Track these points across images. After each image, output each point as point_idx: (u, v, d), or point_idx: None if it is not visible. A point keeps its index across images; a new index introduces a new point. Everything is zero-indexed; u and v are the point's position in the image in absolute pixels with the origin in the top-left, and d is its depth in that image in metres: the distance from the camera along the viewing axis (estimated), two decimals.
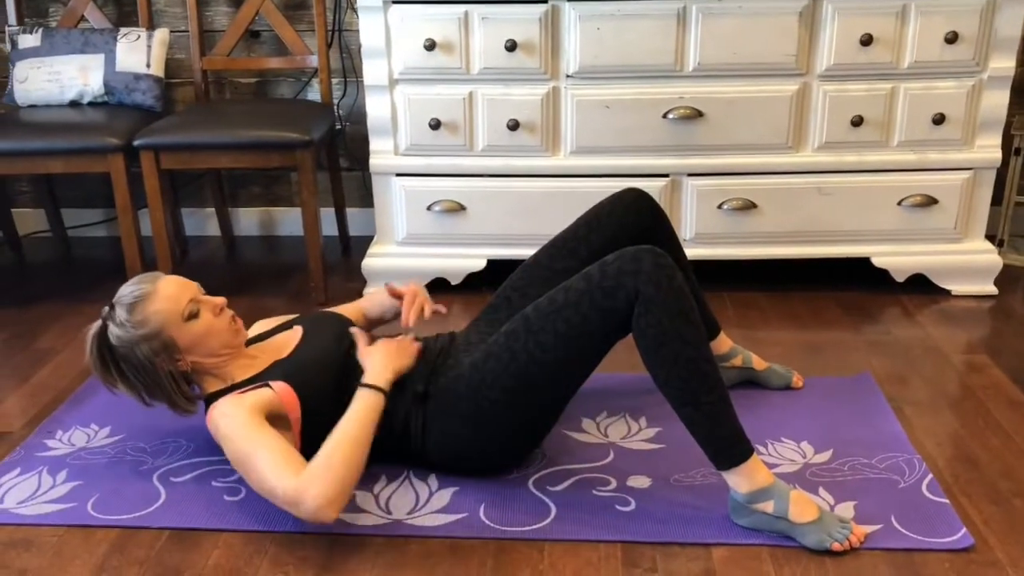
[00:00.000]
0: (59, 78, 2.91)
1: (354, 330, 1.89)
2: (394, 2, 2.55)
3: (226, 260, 3.24)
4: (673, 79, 2.59)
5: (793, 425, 2.04)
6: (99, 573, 1.63)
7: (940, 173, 2.65)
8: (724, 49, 2.54)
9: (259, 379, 1.79)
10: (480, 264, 2.78)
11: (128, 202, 2.69)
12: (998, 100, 2.58)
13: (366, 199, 3.32)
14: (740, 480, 1.65)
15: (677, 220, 2.70)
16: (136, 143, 2.65)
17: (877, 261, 2.73)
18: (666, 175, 2.67)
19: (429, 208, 2.73)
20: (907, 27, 2.52)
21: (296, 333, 1.94)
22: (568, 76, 2.60)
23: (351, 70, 3.21)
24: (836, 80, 2.58)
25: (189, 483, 1.87)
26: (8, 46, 2.98)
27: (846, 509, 1.74)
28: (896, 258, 2.72)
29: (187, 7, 3.03)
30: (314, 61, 3.03)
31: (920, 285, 2.74)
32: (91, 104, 2.94)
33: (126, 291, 1.78)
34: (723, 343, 2.17)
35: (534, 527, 1.71)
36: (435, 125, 2.64)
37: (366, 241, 2.98)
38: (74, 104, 2.93)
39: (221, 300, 1.83)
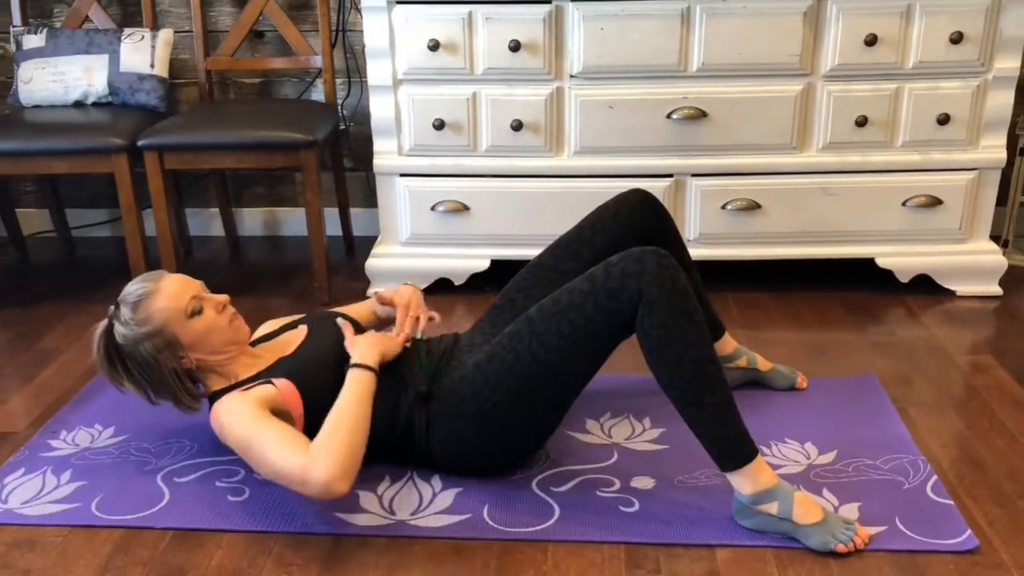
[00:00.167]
0: (63, 78, 2.92)
1: (340, 320, 1.90)
2: (398, 2, 2.55)
3: (230, 260, 3.24)
4: (677, 79, 2.59)
5: (797, 426, 2.04)
6: (103, 573, 1.63)
7: (945, 173, 2.64)
8: (728, 49, 2.54)
9: (262, 376, 1.80)
10: (484, 264, 2.78)
11: (132, 202, 2.69)
12: (1003, 100, 2.58)
13: (370, 199, 3.33)
14: (744, 481, 1.64)
15: (681, 220, 2.70)
16: (140, 143, 2.65)
17: (881, 262, 2.72)
18: (670, 175, 2.67)
19: (433, 208, 2.73)
20: (912, 27, 2.51)
21: (300, 332, 1.95)
22: (572, 76, 2.60)
23: (355, 70, 3.21)
24: (840, 80, 2.57)
25: (193, 483, 1.87)
26: (13, 46, 2.98)
27: (850, 510, 1.73)
28: (900, 259, 2.72)
29: (191, 7, 3.03)
30: (318, 61, 3.03)
31: (924, 286, 2.73)
32: (95, 104, 2.94)
33: (130, 289, 1.80)
34: (727, 344, 2.17)
35: (538, 528, 1.71)
36: (439, 125, 2.64)
37: (370, 241, 2.98)
38: (78, 104, 2.94)
39: (223, 297, 1.84)
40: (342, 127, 3.18)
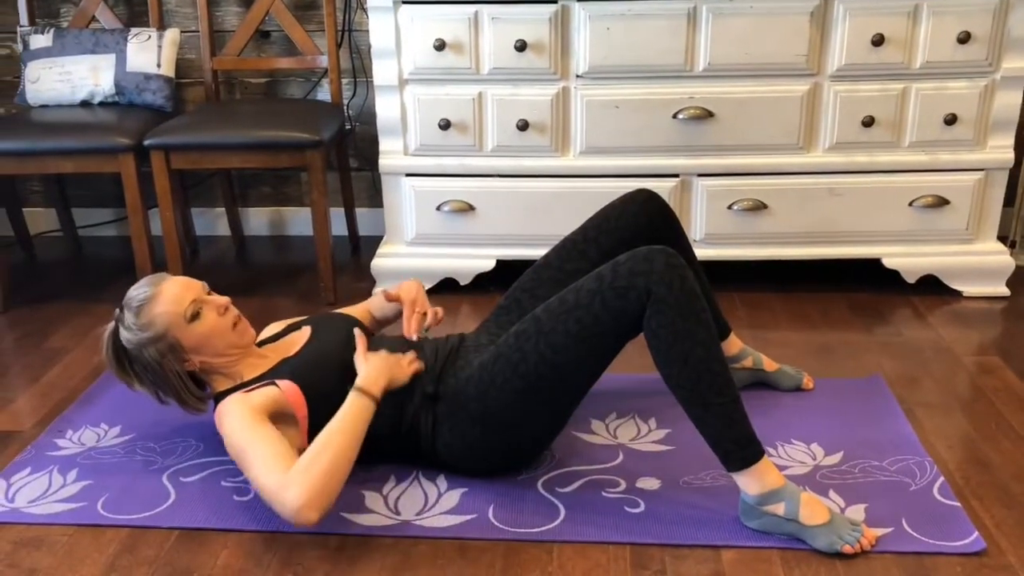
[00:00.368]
0: (70, 78, 2.92)
1: (356, 331, 1.87)
2: (404, 2, 2.55)
3: (236, 260, 3.24)
4: (683, 79, 2.58)
5: (803, 427, 2.03)
6: (109, 573, 1.63)
7: (952, 174, 2.63)
8: (735, 49, 2.53)
9: (266, 377, 1.80)
10: (489, 264, 2.78)
11: (138, 202, 2.70)
12: (1011, 100, 2.57)
13: (375, 199, 3.33)
14: (750, 482, 1.64)
15: (687, 221, 2.70)
16: (146, 143, 2.65)
17: (888, 262, 2.71)
18: (676, 175, 2.66)
19: (438, 208, 2.72)
20: (919, 27, 2.51)
21: (304, 333, 1.95)
22: (578, 76, 2.60)
23: (361, 70, 3.21)
24: (847, 80, 2.57)
25: (199, 483, 1.88)
26: (20, 46, 2.99)
27: (857, 512, 1.73)
28: (907, 259, 2.71)
29: (197, 7, 3.04)
30: (324, 61, 3.03)
31: (931, 286, 2.73)
32: (102, 104, 2.95)
33: (132, 294, 1.81)
34: (733, 344, 2.17)
35: (543, 528, 1.71)
36: (445, 125, 2.64)
37: (375, 241, 2.99)
38: (85, 104, 2.94)
39: (224, 300, 1.84)
40: (348, 127, 3.18)
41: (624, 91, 2.60)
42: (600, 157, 2.67)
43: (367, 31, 2.93)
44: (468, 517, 1.74)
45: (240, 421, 1.68)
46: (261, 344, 1.97)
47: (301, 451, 1.68)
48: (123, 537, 1.72)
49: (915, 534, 1.66)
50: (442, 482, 1.85)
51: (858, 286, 2.79)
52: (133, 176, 2.67)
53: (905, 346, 2.43)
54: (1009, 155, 2.62)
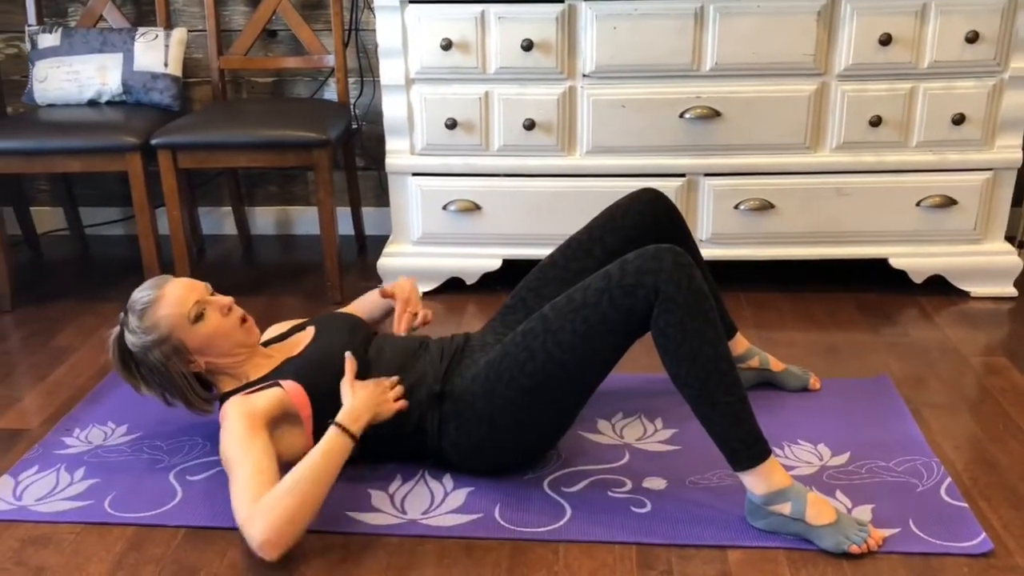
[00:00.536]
0: (78, 77, 2.93)
1: (347, 355, 1.82)
2: (411, 1, 2.55)
3: (242, 259, 3.25)
4: (690, 78, 2.58)
5: (810, 427, 2.03)
6: (116, 571, 1.63)
7: (959, 174, 2.63)
8: (742, 48, 2.53)
9: (271, 378, 1.81)
10: (495, 264, 2.78)
11: (145, 201, 2.70)
12: (1019, 100, 2.56)
13: (382, 198, 3.33)
14: (757, 481, 1.64)
15: (694, 220, 2.69)
16: (154, 142, 2.66)
17: (895, 262, 2.71)
18: (683, 175, 2.66)
19: (445, 208, 2.73)
20: (927, 27, 2.50)
21: (308, 333, 1.95)
22: (584, 76, 2.60)
23: (368, 69, 3.21)
24: (855, 80, 2.56)
25: (205, 481, 1.88)
26: (28, 45, 3.00)
27: (863, 512, 1.72)
28: (914, 259, 2.70)
29: (205, 7, 3.04)
30: (331, 60, 3.03)
31: (939, 286, 2.72)
32: (109, 103, 2.95)
33: (136, 297, 1.82)
34: (740, 344, 2.16)
35: (549, 528, 1.71)
36: (451, 125, 2.64)
37: (382, 240, 2.99)
38: (92, 103, 2.95)
39: (228, 300, 1.85)
40: (354, 126, 3.18)
41: (631, 90, 2.59)
42: (607, 157, 2.66)
43: (374, 30, 2.93)
44: (474, 516, 1.74)
45: (231, 433, 1.69)
46: (266, 345, 1.97)
47: (305, 452, 1.69)
48: (130, 535, 1.73)
49: (922, 535, 1.66)
50: (448, 481, 1.85)
51: (865, 286, 2.78)
52: (140, 175, 2.67)
53: (912, 346, 2.42)
54: (1017, 155, 2.61)
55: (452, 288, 2.80)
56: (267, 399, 1.75)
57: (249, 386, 1.81)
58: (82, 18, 3.06)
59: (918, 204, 2.64)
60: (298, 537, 1.59)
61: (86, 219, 3.45)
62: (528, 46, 2.55)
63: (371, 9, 3.08)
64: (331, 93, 3.24)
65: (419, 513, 1.76)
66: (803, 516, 1.62)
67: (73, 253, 3.32)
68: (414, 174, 2.72)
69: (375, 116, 3.20)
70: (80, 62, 2.94)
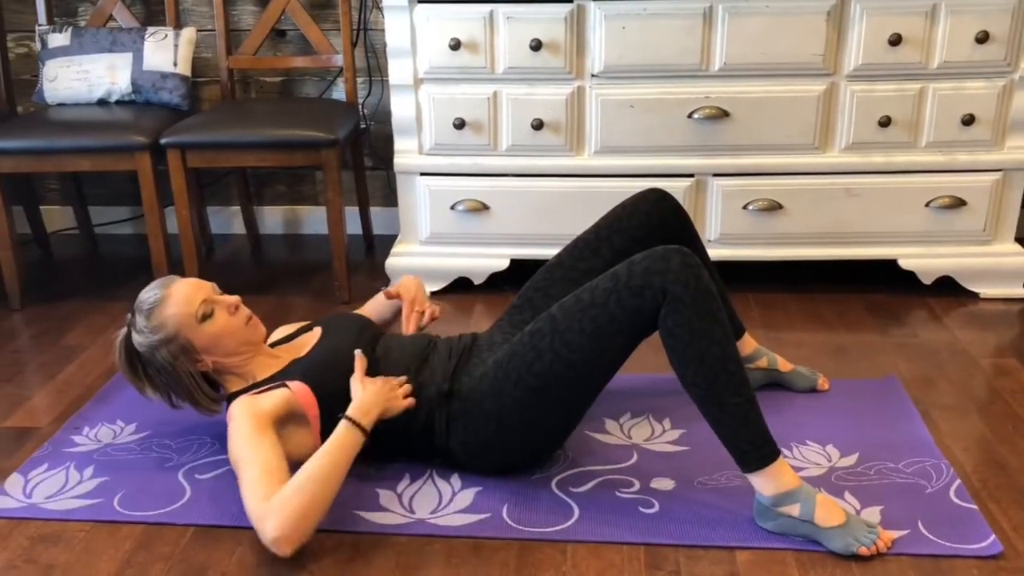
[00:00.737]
0: (87, 77, 2.94)
1: (357, 352, 1.83)
2: (419, 1, 2.56)
3: (251, 258, 3.26)
4: (699, 79, 2.58)
5: (818, 428, 2.02)
6: (125, 569, 1.64)
7: (969, 174, 2.62)
8: (751, 48, 2.52)
9: (278, 378, 1.81)
10: (503, 264, 2.78)
11: (155, 200, 2.71)
12: None
13: (390, 198, 3.33)
14: (766, 482, 1.63)
15: (702, 220, 2.69)
16: (163, 141, 2.66)
17: (904, 263, 2.70)
18: (691, 175, 2.66)
19: (453, 207, 2.73)
20: (937, 27, 2.49)
21: (315, 334, 1.96)
22: (593, 76, 2.60)
23: (376, 69, 3.22)
24: (864, 80, 2.56)
25: (214, 480, 1.88)
26: (38, 45, 3.01)
27: (872, 514, 1.72)
28: (924, 260, 2.70)
29: (214, 6, 3.05)
30: (339, 60, 3.04)
31: (948, 287, 2.71)
32: (119, 103, 2.96)
33: (143, 297, 1.82)
34: (748, 344, 2.16)
35: (557, 528, 1.71)
36: (459, 124, 2.64)
37: (390, 240, 2.99)
38: (102, 103, 2.96)
39: (235, 299, 1.85)
40: (363, 126, 3.19)
41: (639, 90, 2.59)
42: (615, 157, 2.66)
43: (382, 30, 2.93)
44: (482, 516, 1.75)
45: (239, 433, 1.69)
46: (273, 346, 1.97)
47: (313, 452, 1.68)
48: (139, 534, 1.73)
49: (931, 536, 1.65)
50: (456, 481, 1.85)
51: (874, 287, 2.78)
52: (149, 174, 2.68)
53: (921, 347, 2.42)
54: None
55: (460, 288, 2.80)
56: (273, 400, 1.75)
57: (256, 386, 1.81)
58: (92, 18, 3.07)
59: (927, 205, 2.63)
60: (312, 532, 1.60)
61: (95, 218, 3.46)
62: (537, 46, 2.55)
63: (380, 9, 3.09)
64: (339, 93, 3.25)
65: (427, 513, 1.76)
66: (812, 518, 1.62)
67: (82, 252, 3.34)
68: (422, 174, 2.72)
69: (383, 116, 3.21)
70: (90, 61, 2.95)
